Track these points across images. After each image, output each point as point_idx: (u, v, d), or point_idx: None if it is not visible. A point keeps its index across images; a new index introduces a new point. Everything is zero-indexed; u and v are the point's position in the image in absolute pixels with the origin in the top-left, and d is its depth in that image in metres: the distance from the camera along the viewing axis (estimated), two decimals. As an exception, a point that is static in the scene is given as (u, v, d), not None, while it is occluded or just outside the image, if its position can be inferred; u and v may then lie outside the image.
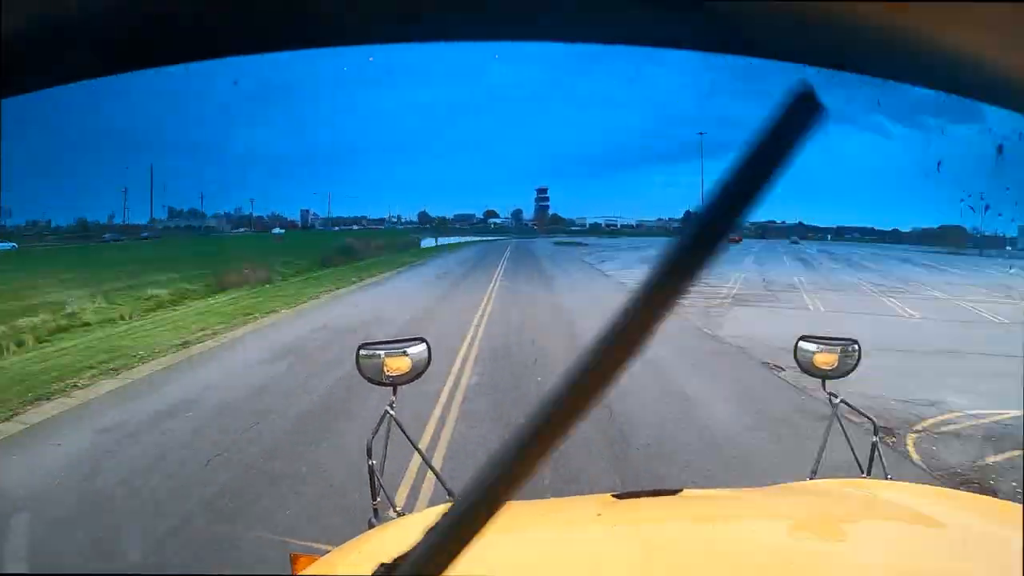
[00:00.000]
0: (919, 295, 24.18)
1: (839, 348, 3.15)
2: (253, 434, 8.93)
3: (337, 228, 49.46)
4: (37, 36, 0.99)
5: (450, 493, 2.82)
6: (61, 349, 15.04)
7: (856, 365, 3.14)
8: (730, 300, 22.27)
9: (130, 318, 18.55)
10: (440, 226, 53.99)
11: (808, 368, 3.17)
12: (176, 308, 20.80)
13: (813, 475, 2.97)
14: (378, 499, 2.73)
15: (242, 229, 46.29)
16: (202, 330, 16.97)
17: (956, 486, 7.45)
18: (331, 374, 11.78)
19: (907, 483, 2.50)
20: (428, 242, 50.62)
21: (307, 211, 48.73)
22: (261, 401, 10.67)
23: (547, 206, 55.52)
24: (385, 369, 2.90)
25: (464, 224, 56.06)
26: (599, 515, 2.05)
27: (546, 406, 0.56)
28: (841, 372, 3.13)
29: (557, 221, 54.69)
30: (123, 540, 6.15)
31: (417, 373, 2.96)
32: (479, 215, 56.73)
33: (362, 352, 2.93)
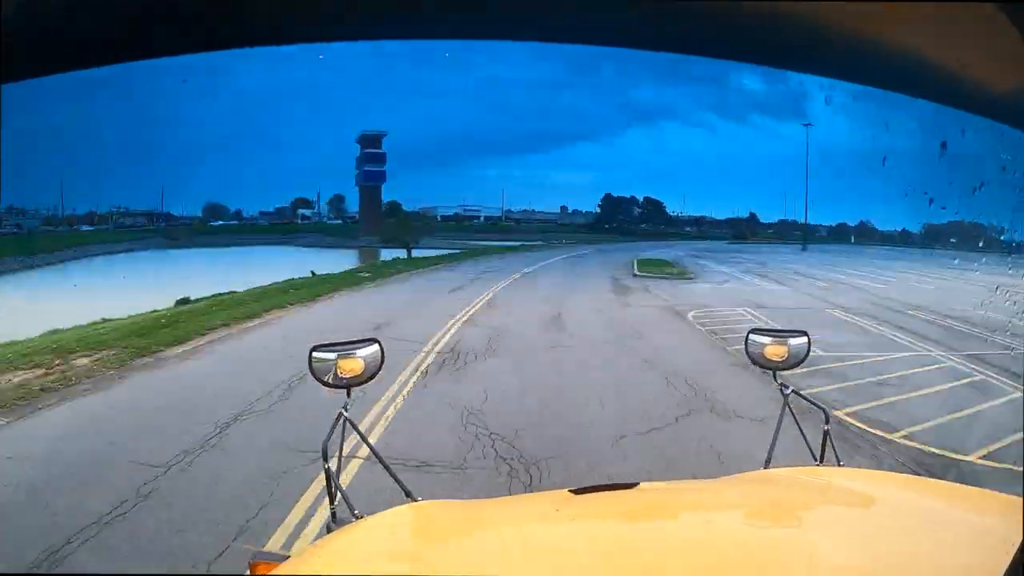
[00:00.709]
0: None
1: (789, 340, 3.19)
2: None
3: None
4: (36, 25, 0.99)
5: (408, 494, 2.80)
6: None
7: (806, 356, 3.20)
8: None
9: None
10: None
11: (759, 360, 3.21)
12: None
13: (767, 464, 2.98)
14: (336, 502, 2.71)
15: None
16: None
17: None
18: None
19: (859, 469, 2.54)
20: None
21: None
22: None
23: (379, 186, 33.55)
24: (338, 371, 2.89)
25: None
26: (557, 511, 2.05)
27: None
28: (791, 363, 3.17)
29: (395, 212, 33.77)
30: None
31: (370, 375, 2.95)
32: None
33: (315, 354, 2.92)
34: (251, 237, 33.26)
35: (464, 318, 16.91)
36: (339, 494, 2.71)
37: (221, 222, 33.39)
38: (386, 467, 3.07)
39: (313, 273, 25.29)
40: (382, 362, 3.00)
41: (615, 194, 37.96)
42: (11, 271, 24.14)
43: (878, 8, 0.98)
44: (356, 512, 2.53)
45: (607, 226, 38.30)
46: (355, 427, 2.88)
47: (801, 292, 23.78)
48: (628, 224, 38.24)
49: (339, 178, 36.98)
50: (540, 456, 7.91)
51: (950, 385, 11.53)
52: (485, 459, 7.95)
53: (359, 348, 2.94)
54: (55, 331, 15.27)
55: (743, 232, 37.41)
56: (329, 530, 2.39)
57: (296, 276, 24.17)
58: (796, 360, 3.19)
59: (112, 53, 1.25)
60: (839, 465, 2.79)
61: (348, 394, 2.92)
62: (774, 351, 3.18)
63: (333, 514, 2.71)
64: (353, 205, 36.11)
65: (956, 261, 19.53)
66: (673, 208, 38.45)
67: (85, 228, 30.33)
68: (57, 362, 11.97)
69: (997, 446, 8.32)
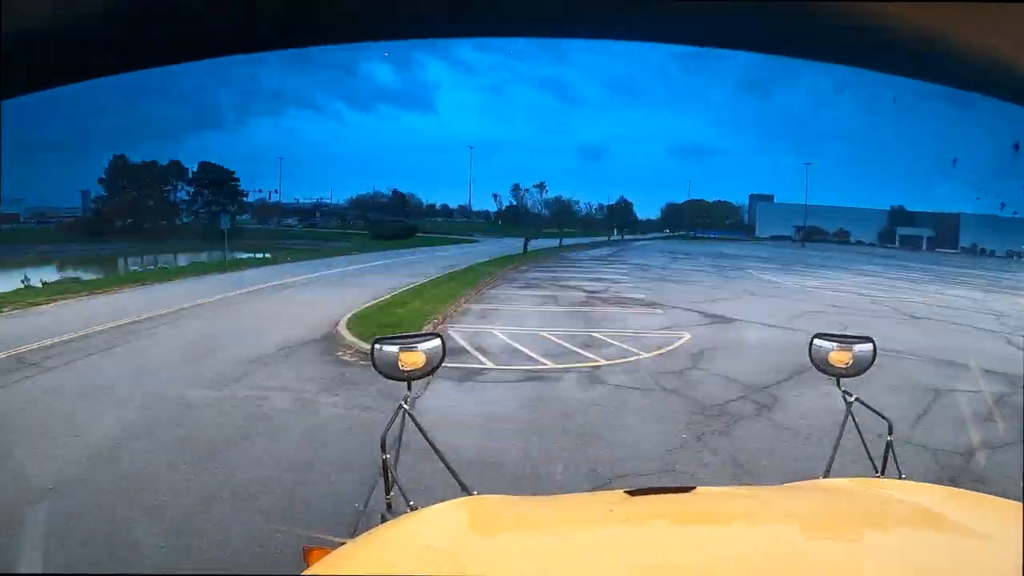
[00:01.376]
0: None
1: (853, 346, 3.11)
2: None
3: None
4: (39, 37, 0.99)
5: (464, 488, 2.80)
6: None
7: (871, 363, 3.11)
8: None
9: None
10: None
11: (822, 366, 3.15)
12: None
13: (827, 474, 2.96)
14: (392, 493, 2.76)
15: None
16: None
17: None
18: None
19: (921, 483, 2.46)
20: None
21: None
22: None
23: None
24: (400, 364, 2.91)
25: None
26: (611, 511, 2.04)
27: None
28: (856, 370, 3.10)
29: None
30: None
31: (431, 368, 2.97)
32: None
33: (377, 347, 2.95)
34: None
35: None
36: (395, 485, 2.76)
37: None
38: (444, 460, 3.06)
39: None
40: (443, 356, 3.01)
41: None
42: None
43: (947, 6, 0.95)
44: (411, 503, 2.58)
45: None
46: (414, 420, 2.91)
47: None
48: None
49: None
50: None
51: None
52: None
53: (421, 341, 2.97)
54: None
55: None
56: (384, 520, 2.40)
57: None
58: (861, 367, 3.10)
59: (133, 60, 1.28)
60: (901, 478, 2.76)
61: (408, 387, 2.95)
62: (838, 357, 3.10)
63: (389, 504, 2.77)
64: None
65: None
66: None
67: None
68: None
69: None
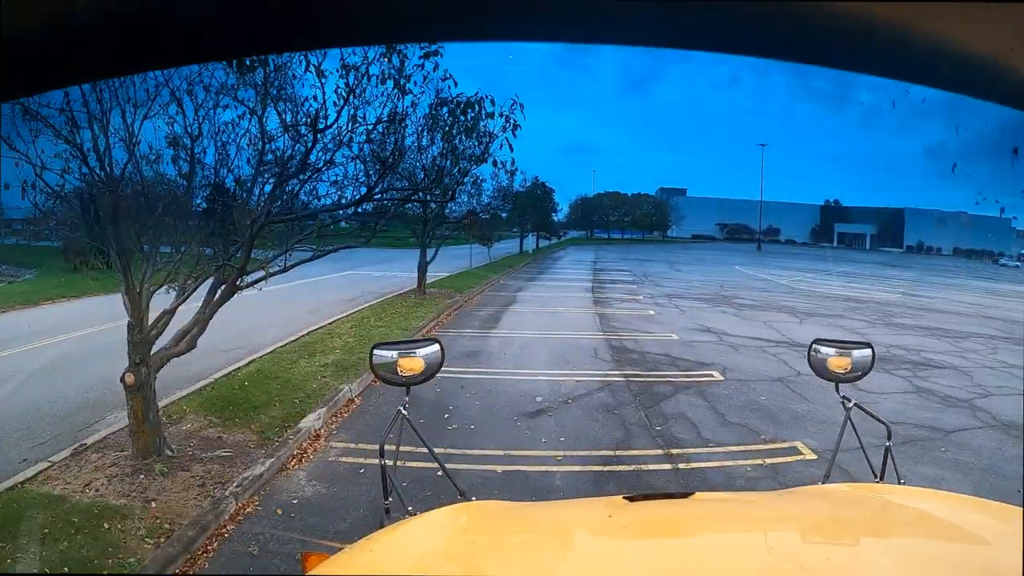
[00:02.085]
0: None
1: (853, 351, 3.12)
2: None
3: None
4: (42, 39, 1.00)
5: (462, 493, 2.81)
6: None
7: (870, 369, 3.12)
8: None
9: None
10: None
11: (821, 371, 3.14)
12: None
13: (826, 479, 2.96)
14: (390, 498, 2.73)
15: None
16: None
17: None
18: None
19: (921, 488, 2.45)
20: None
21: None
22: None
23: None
24: (399, 369, 2.90)
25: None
26: (610, 517, 2.02)
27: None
28: (855, 376, 3.11)
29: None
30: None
31: (430, 373, 2.95)
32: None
33: (376, 352, 2.93)
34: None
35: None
36: (394, 491, 2.73)
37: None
38: (441, 466, 3.09)
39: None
40: (442, 361, 3.00)
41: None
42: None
43: (945, 6, 0.98)
44: (409, 509, 2.55)
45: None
46: (412, 425, 2.88)
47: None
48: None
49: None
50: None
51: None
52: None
53: (420, 347, 2.95)
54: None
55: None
56: (382, 525, 2.34)
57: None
58: (860, 372, 3.11)
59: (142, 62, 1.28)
60: (900, 483, 2.73)
61: (407, 392, 2.92)
62: (837, 363, 3.11)
63: (387, 510, 2.72)
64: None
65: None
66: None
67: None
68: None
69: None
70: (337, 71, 7.08)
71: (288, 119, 7.29)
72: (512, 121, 7.91)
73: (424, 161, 8.73)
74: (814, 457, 8.15)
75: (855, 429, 2.98)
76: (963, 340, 17.01)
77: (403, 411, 2.88)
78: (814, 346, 3.18)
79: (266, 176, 7.49)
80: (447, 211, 21.72)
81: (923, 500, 2.27)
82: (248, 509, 6.79)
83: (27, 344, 13.08)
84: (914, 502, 2.24)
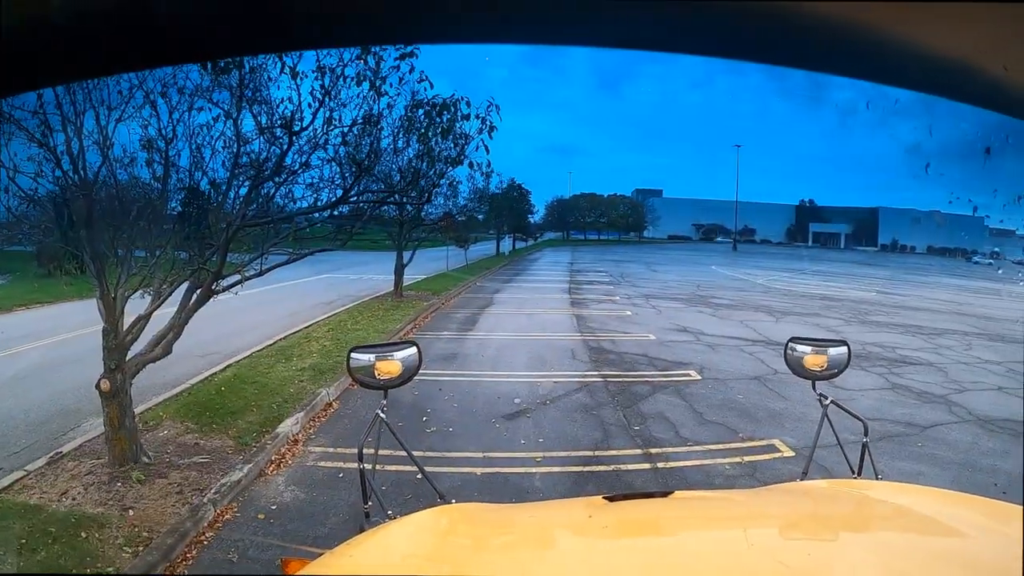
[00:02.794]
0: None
1: (829, 349, 3.15)
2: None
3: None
4: (40, 36, 0.99)
5: (441, 496, 2.82)
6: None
7: (846, 366, 3.15)
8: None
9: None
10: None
11: (798, 369, 3.16)
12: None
13: (804, 476, 3.00)
14: (370, 502, 2.74)
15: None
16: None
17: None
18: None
19: (898, 483, 2.49)
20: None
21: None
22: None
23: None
24: (376, 372, 2.88)
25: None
26: (590, 517, 2.02)
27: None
28: (831, 373, 3.13)
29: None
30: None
31: (408, 376, 2.93)
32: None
33: (353, 355, 2.92)
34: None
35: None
36: (374, 494, 2.74)
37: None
38: (420, 468, 3.07)
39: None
40: (420, 364, 2.98)
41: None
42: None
43: (918, 7, 0.99)
44: (389, 512, 2.57)
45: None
46: (391, 429, 2.89)
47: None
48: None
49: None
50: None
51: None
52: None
53: (397, 350, 2.93)
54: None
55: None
56: (362, 529, 2.37)
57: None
58: (836, 370, 3.14)
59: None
60: (877, 478, 2.77)
61: (385, 396, 2.92)
62: (814, 360, 3.13)
63: (367, 513, 2.73)
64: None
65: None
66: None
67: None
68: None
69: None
70: (312, 72, 7.04)
71: (263, 121, 7.21)
72: (488, 123, 7.90)
73: (400, 163, 8.70)
74: (792, 454, 8.20)
75: (832, 426, 3.03)
76: (938, 337, 17.14)
77: (381, 414, 2.88)
78: (790, 344, 3.19)
79: (241, 179, 7.42)
80: (423, 213, 21.66)
81: (900, 495, 2.28)
82: (227, 516, 6.72)
83: (1, 351, 12.90)
84: (891, 497, 2.26)
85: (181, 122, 7.09)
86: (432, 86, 7.78)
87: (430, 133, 7.98)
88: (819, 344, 3.19)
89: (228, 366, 12.18)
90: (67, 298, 15.54)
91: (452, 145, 8.21)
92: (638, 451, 8.36)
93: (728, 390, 11.17)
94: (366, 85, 7.30)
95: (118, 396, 7.25)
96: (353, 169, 7.86)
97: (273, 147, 7.32)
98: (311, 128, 7.29)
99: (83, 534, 6.11)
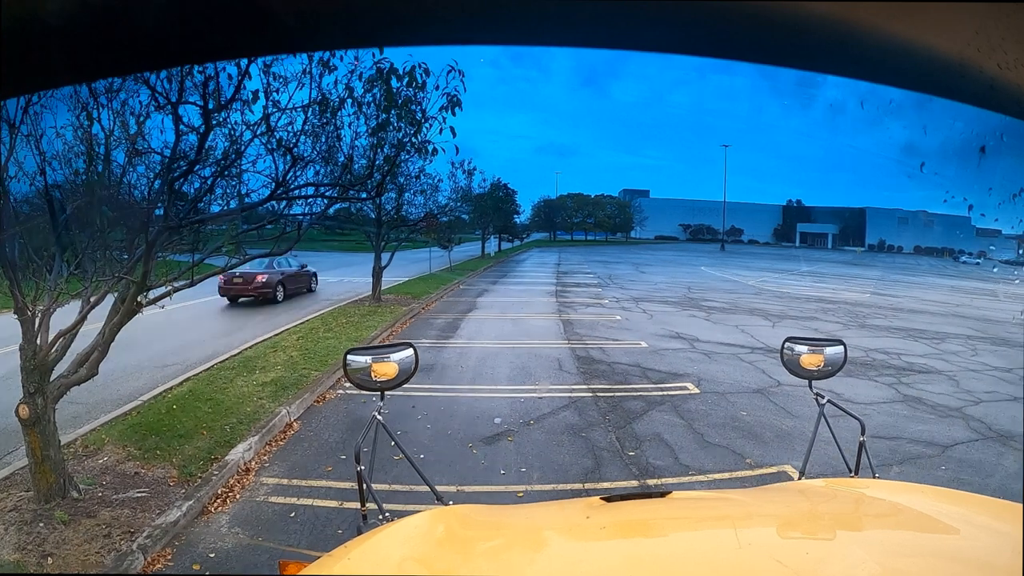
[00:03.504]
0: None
1: (825, 349, 3.21)
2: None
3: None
4: (38, 37, 0.99)
5: (439, 498, 2.87)
6: None
7: (843, 365, 3.22)
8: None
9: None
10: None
11: (794, 369, 3.23)
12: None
13: (801, 475, 3.15)
14: (367, 504, 2.79)
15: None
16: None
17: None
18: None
19: (895, 482, 2.53)
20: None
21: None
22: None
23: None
24: (372, 374, 2.91)
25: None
26: (587, 518, 2.06)
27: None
28: (827, 372, 3.20)
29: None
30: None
31: (405, 378, 2.96)
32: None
33: (349, 357, 2.94)
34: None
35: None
36: (371, 496, 2.76)
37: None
38: (418, 471, 3.10)
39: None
40: (416, 366, 3.01)
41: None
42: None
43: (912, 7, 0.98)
44: (386, 514, 2.58)
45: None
46: (388, 430, 2.93)
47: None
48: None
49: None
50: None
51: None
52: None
53: (393, 352, 2.96)
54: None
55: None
56: (359, 532, 2.39)
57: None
58: (832, 369, 3.20)
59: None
60: (874, 477, 2.84)
61: (381, 397, 3.00)
62: (810, 360, 3.21)
63: (364, 516, 2.81)
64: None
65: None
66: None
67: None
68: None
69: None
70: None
71: (173, 99, 5.90)
72: (455, 98, 6.77)
73: (346, 150, 7.47)
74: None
75: (829, 425, 3.07)
76: (941, 342, 16.95)
77: (378, 416, 2.92)
78: (787, 344, 3.28)
79: (151, 175, 6.26)
80: (404, 213, 21.26)
81: (897, 493, 2.33)
82: (158, 565, 5.90)
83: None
84: (889, 495, 2.30)
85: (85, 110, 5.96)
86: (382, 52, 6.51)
87: (392, 111, 6.84)
88: (815, 343, 3.26)
89: (185, 380, 11.41)
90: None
91: (408, 124, 7.06)
92: (634, 482, 7.52)
93: (730, 406, 10.43)
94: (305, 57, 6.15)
95: (39, 423, 6.48)
96: (288, 159, 6.66)
97: (191, 134, 6.05)
98: (240, 109, 6.15)
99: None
